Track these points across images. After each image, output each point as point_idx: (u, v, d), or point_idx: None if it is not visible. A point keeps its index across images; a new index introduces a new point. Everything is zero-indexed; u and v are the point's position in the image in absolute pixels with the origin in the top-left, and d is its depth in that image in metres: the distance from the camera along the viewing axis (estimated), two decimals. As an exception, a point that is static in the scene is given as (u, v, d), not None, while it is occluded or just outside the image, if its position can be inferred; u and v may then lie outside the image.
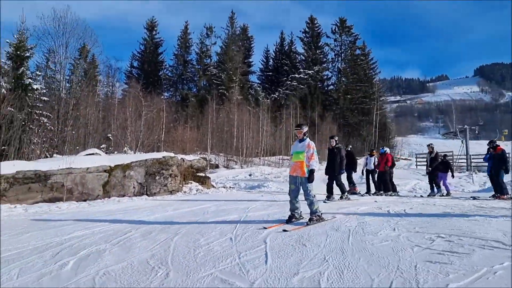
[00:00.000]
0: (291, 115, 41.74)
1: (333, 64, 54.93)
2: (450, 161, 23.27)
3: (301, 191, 6.33)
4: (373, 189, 13.44)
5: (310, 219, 6.06)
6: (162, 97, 40.97)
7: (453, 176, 13.52)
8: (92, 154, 14.13)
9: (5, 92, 14.49)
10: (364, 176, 14.02)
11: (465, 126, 28.82)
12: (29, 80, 17.46)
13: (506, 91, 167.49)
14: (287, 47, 57.98)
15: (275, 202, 9.91)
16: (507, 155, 11.92)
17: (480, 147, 36.21)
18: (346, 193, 10.52)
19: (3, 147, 13.59)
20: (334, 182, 10.46)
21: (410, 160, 41.41)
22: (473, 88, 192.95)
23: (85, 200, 11.50)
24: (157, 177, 13.64)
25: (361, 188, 14.02)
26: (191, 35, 54.61)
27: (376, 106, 47.18)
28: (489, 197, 11.06)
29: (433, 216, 6.47)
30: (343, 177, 11.18)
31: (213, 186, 16.51)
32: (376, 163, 13.48)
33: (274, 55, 59.37)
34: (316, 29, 54.61)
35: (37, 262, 4.22)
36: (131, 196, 12.65)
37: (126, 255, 4.42)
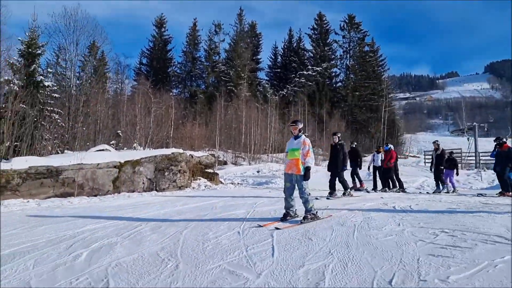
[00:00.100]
0: (299, 112, 41.75)
1: (342, 61, 54.82)
2: (458, 159, 23.25)
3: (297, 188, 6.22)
4: (380, 186, 13.49)
5: (304, 217, 5.95)
6: (171, 93, 41.15)
7: (457, 173, 13.49)
8: (102, 150, 14.34)
9: (17, 89, 14.73)
10: (371, 173, 14.07)
11: (474, 123, 28.66)
12: (41, 77, 17.74)
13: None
14: (295, 44, 57.87)
15: (282, 198, 10.02)
16: None
17: (489, 144, 35.90)
18: (348, 190, 10.54)
19: (15, 143, 13.84)
20: (337, 178, 10.43)
21: (418, 157, 41.24)
22: (484, 85, 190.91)
23: (95, 195, 11.71)
24: (166, 173, 13.81)
25: (368, 184, 14.09)
26: (200, 32, 54.75)
27: (385, 103, 46.98)
28: (496, 194, 11.06)
29: (438, 212, 6.54)
30: (347, 174, 11.21)
31: (221, 182, 16.65)
32: (383, 160, 13.53)
33: (282, 52, 59.32)
34: (324, 26, 54.43)
35: (52, 253, 4.38)
36: (140, 192, 12.84)
37: (137, 247, 4.56)
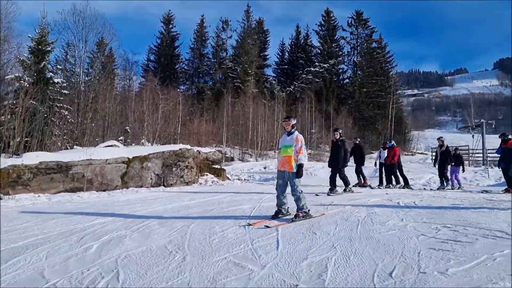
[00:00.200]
0: (306, 109, 41.74)
1: (349, 58, 54.66)
2: (465, 156, 23.15)
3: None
4: (385, 182, 13.52)
5: (296, 215, 5.84)
6: (179, 90, 41.33)
7: (463, 170, 13.48)
8: (111, 146, 14.53)
9: (27, 85, 14.93)
10: (377, 169, 14.10)
11: (481, 120, 28.48)
12: (50, 74, 17.96)
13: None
14: (302, 41, 57.74)
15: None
16: None
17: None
18: (350, 186, 10.53)
19: (26, 139, 14.05)
20: (338, 175, 10.42)
21: (426, 154, 41.05)
22: (493, 81, 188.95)
23: (104, 190, 11.89)
24: (173, 169, 13.97)
25: (374, 181, 14.14)
26: (207, 28, 54.87)
27: (392, 99, 46.76)
28: (501, 190, 11.06)
29: (441, 208, 6.61)
30: (351, 170, 11.20)
31: (228, 178, 16.78)
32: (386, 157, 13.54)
33: (289, 48, 59.23)
34: (332, 22, 54.24)
35: (63, 245, 4.52)
36: (148, 187, 13.01)
37: (145, 240, 4.69)
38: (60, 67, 25.05)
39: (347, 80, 54.04)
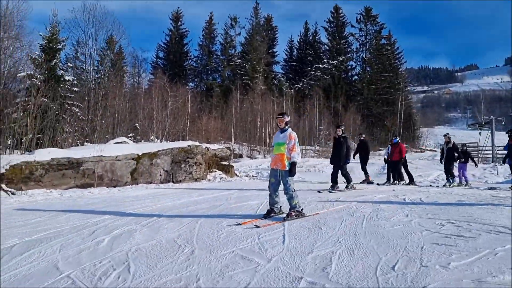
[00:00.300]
0: (314, 106, 41.61)
1: (358, 54, 54.26)
2: (474, 153, 23.00)
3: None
4: (392, 179, 13.51)
5: (288, 214, 5.69)
6: (187, 87, 41.40)
7: (476, 165, 13.43)
8: (121, 142, 14.73)
9: (39, 83, 15.16)
10: (386, 165, 14.11)
11: (491, 117, 28.22)
12: (61, 71, 18.21)
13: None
14: (311, 37, 57.46)
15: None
16: None
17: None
18: (351, 183, 10.48)
19: (38, 136, 14.29)
20: (340, 171, 10.36)
21: (435, 151, 40.77)
22: (504, 77, 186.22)
23: (114, 186, 12.08)
24: (182, 165, 14.12)
25: (382, 177, 14.17)
26: (216, 25, 54.88)
27: (401, 96, 46.45)
28: (509, 187, 11.03)
29: (447, 204, 6.65)
30: (357, 167, 11.20)
31: (237, 175, 16.90)
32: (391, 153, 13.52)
33: (298, 45, 58.98)
34: (340, 18, 53.92)
35: (76, 239, 4.67)
36: (157, 183, 13.18)
37: (155, 234, 4.82)
38: (71, 64, 25.36)
39: (355, 77, 53.73)
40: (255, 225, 5.19)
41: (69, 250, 4.17)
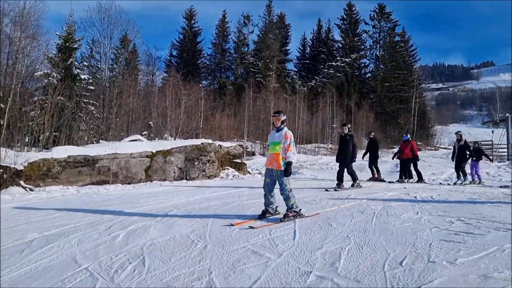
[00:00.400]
0: (327, 103, 41.46)
1: (371, 52, 53.84)
2: (489, 151, 22.70)
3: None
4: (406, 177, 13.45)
5: (285, 215, 5.51)
6: (201, 85, 41.59)
7: (491, 160, 13.29)
8: (135, 140, 14.94)
9: (56, 82, 15.44)
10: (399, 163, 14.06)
11: (507, 114, 27.81)
12: (77, 70, 18.52)
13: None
14: (324, 35, 57.20)
15: (306, 188, 10.33)
16: None
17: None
18: (357, 181, 10.49)
19: (54, 133, 14.59)
20: (346, 170, 10.37)
21: (450, 149, 40.29)
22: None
23: (129, 183, 12.29)
24: (196, 163, 14.28)
25: (395, 175, 14.13)
26: (229, 24, 54.96)
27: (415, 94, 46.01)
28: None
29: (458, 202, 6.67)
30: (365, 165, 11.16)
31: (249, 172, 17.02)
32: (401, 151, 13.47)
33: (311, 43, 58.75)
34: (354, 16, 53.54)
35: (93, 234, 4.83)
36: (171, 180, 13.36)
37: (169, 230, 4.95)
38: (86, 63, 25.72)
39: (369, 74, 53.38)
40: (249, 226, 5.06)
41: (87, 244, 4.32)
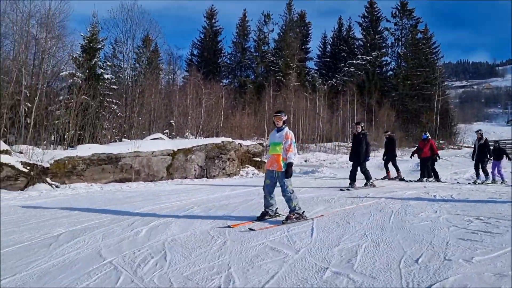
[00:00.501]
0: (348, 102, 41.18)
1: (393, 49, 53.07)
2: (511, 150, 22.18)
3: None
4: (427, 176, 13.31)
5: (287, 217, 5.34)
6: (221, 84, 41.85)
7: (510, 159, 13.08)
8: (157, 138, 15.20)
9: (80, 81, 15.83)
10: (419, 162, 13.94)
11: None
12: (101, 70, 18.93)
13: None
14: (345, 33, 56.76)
15: (325, 187, 10.36)
16: None
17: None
18: (371, 180, 10.37)
19: (79, 132, 14.97)
20: (359, 168, 10.27)
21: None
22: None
23: (151, 181, 12.54)
24: (216, 161, 14.45)
25: (416, 174, 14.00)
26: (249, 22, 55.08)
27: (438, 91, 45.21)
28: None
29: (478, 202, 6.60)
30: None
31: (269, 171, 17.08)
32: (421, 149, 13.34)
33: (331, 41, 58.37)
34: (375, 13, 52.89)
35: (116, 229, 5.00)
36: (192, 178, 13.56)
37: (190, 226, 5.08)
38: (109, 63, 26.20)
39: (390, 72, 52.67)
40: (249, 228, 4.92)
41: (111, 239, 4.48)
